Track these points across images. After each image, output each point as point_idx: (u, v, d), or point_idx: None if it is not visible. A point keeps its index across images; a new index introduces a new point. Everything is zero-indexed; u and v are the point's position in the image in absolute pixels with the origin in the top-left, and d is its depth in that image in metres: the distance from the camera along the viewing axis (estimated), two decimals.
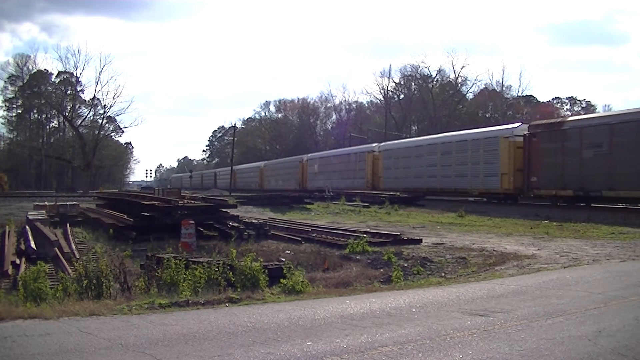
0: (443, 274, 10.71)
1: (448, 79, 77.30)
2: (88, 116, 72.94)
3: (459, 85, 75.83)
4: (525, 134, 26.09)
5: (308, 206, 29.10)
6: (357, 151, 43.44)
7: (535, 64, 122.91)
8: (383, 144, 42.15)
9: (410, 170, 34.78)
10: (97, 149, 67.22)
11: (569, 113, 75.17)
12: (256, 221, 17.38)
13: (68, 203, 23.83)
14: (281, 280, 8.33)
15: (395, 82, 78.72)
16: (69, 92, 74.77)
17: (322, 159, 49.31)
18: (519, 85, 76.27)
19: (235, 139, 76.03)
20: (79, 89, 72.87)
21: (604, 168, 21.98)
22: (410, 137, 54.09)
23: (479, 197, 29.54)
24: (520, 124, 29.72)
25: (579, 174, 23.07)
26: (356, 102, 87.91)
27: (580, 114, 60.82)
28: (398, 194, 31.34)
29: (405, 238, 14.93)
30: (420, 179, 33.44)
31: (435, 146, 33.32)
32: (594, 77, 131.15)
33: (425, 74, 75.89)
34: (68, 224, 17.65)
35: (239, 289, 8.13)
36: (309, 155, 53.43)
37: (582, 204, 23.71)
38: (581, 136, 23.20)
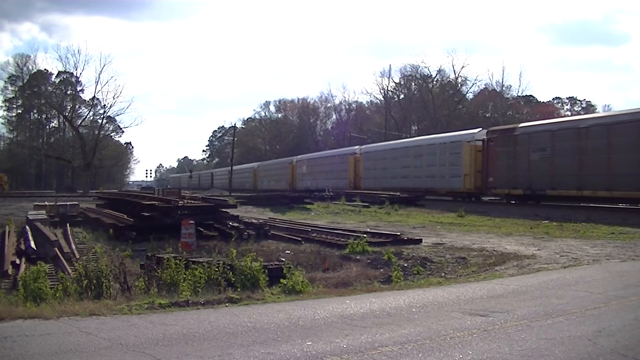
0: (443, 274, 10.71)
1: (448, 79, 77.45)
2: (88, 116, 73.10)
3: (459, 85, 75.97)
4: (484, 139, 29.13)
5: (308, 206, 29.10)
6: (341, 153, 46.47)
7: (536, 63, 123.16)
8: (364, 146, 44.69)
9: (387, 171, 37.54)
10: (97, 149, 67.23)
11: (569, 113, 75.37)
12: (256, 221, 17.38)
13: (68, 203, 23.80)
14: (281, 280, 8.33)
15: (395, 82, 78.95)
16: (69, 92, 74.85)
17: (309, 160, 52.26)
18: (519, 85, 76.46)
19: (235, 139, 76.16)
20: (79, 89, 73.04)
21: (547, 170, 24.83)
22: (410, 137, 54.45)
23: (446, 196, 31.71)
24: (480, 129, 32.15)
25: (527, 174, 25.93)
26: (356, 102, 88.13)
27: (581, 114, 61.09)
28: (398, 194, 31.55)
29: (405, 238, 14.93)
30: (395, 179, 35.87)
31: (409, 149, 36.50)
32: (594, 77, 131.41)
33: (425, 74, 76.10)
34: (68, 224, 17.64)
35: (239, 289, 8.13)
36: (298, 157, 55.94)
37: (530, 202, 26.41)
38: (529, 141, 26.10)
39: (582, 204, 23.74)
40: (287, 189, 49.52)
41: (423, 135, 49.40)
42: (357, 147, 45.42)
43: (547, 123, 28.08)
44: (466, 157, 30.10)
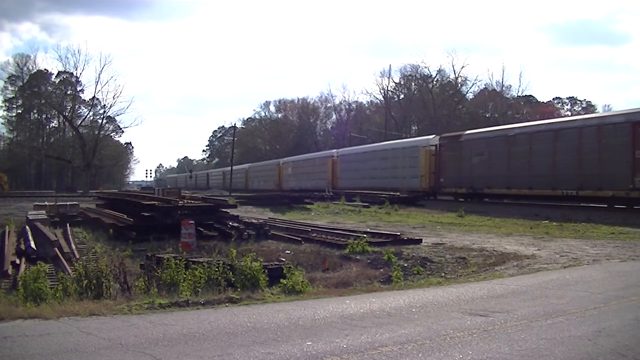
0: (443, 274, 10.71)
1: (448, 79, 77.42)
2: (88, 116, 73.18)
3: (459, 85, 75.95)
4: (436, 144, 33.20)
5: (308, 206, 29.11)
6: (321, 156, 50.57)
7: (536, 63, 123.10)
8: (341, 150, 49.25)
9: (359, 172, 41.20)
10: (97, 149, 67.25)
11: (569, 113, 75.39)
12: (256, 221, 17.38)
13: (68, 203, 23.80)
14: (281, 280, 8.33)
15: (395, 82, 78.89)
16: (69, 92, 74.83)
17: (294, 162, 56.02)
18: (519, 85, 76.39)
19: (235, 139, 76.22)
20: (79, 89, 73.08)
21: (484, 171, 28.73)
22: (410, 138, 54.79)
23: (406, 195, 33.81)
24: (434, 135, 36.34)
25: (469, 175, 29.77)
26: (356, 102, 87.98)
27: (581, 114, 61.28)
28: (398, 194, 31.77)
29: (405, 238, 14.93)
30: (366, 180, 39.10)
31: (376, 153, 40.65)
32: (594, 77, 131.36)
33: (425, 74, 76.04)
34: (68, 224, 17.64)
35: (239, 289, 8.13)
36: (284, 159, 60.40)
37: (472, 198, 29.98)
38: (471, 147, 30.04)
39: (531, 202, 26.40)
40: (275, 189, 52.89)
41: (423, 135, 50.04)
42: (334, 150, 49.56)
43: (484, 131, 32.19)
44: (422, 160, 34.01)
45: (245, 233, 15.50)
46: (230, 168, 63.86)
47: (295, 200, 30.52)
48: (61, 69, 73.05)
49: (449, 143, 32.19)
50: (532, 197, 26.29)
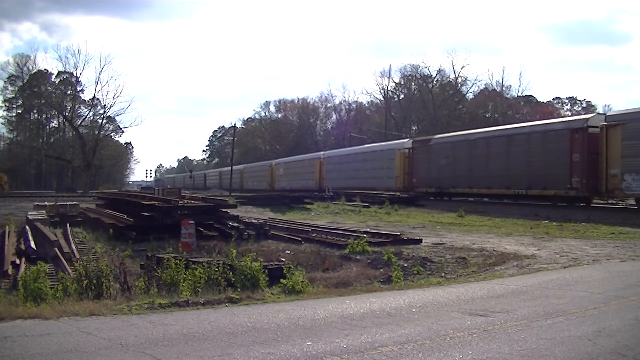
0: (443, 274, 10.71)
1: (448, 79, 77.37)
2: (88, 116, 73.02)
3: (459, 85, 75.90)
4: (409, 147, 36.38)
5: (308, 206, 29.11)
6: (309, 158, 53.87)
7: (536, 63, 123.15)
8: (327, 152, 52.56)
9: (343, 173, 44.04)
10: (97, 149, 67.14)
11: (569, 113, 75.33)
12: (256, 221, 17.38)
13: (68, 203, 23.82)
14: (281, 280, 8.33)
15: (395, 82, 78.82)
16: (69, 92, 74.79)
17: (285, 163, 59.10)
18: (519, 85, 76.40)
19: (235, 139, 76.28)
20: (79, 89, 72.96)
21: (450, 172, 31.51)
22: (410, 138, 55.00)
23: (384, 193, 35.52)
24: (408, 139, 40.52)
25: (437, 176, 32.69)
26: (356, 102, 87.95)
27: (581, 114, 61.33)
28: (398, 194, 31.89)
29: (405, 238, 14.93)
30: (349, 180, 41.57)
31: (358, 155, 44.14)
32: (595, 77, 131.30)
33: (425, 74, 75.99)
34: (68, 224, 17.64)
35: (239, 289, 8.13)
36: (277, 160, 63.60)
37: (445, 198, 32.64)
38: (439, 150, 33.02)
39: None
40: (268, 188, 56.18)
41: (423, 135, 51.25)
42: (321, 152, 52.97)
43: (450, 136, 35.33)
44: (398, 162, 37.09)
45: (245, 233, 15.50)
46: (226, 168, 66.26)
47: (295, 200, 30.52)
48: (61, 69, 73.13)
49: (420, 146, 35.34)
50: (490, 195, 29.37)
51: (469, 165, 30.02)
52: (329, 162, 47.95)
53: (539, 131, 26.33)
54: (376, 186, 37.04)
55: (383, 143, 45.99)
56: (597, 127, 22.76)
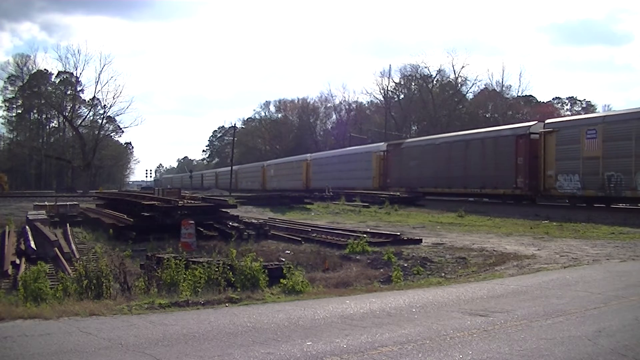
0: (443, 274, 10.71)
1: (448, 79, 77.29)
2: (88, 116, 72.90)
3: (459, 85, 75.82)
4: (384, 150, 39.27)
5: (308, 206, 29.11)
6: (297, 160, 56.48)
7: (537, 63, 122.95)
8: (313, 154, 55.60)
9: (327, 174, 46.79)
10: (97, 149, 67.16)
11: (569, 113, 75.26)
12: (256, 221, 17.38)
13: (68, 203, 23.80)
14: (281, 280, 8.33)
15: (395, 82, 78.71)
16: (69, 92, 74.70)
17: (276, 165, 62.41)
18: (519, 85, 76.33)
19: (235, 139, 76.40)
20: (79, 89, 72.80)
21: (418, 173, 34.72)
22: (409, 138, 55.36)
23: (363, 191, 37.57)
24: (383, 143, 43.09)
25: (408, 177, 35.70)
26: (356, 102, 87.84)
27: (581, 114, 61.53)
28: (398, 194, 31.98)
29: (405, 238, 14.93)
30: (333, 180, 43.55)
31: (341, 157, 47.82)
32: (595, 77, 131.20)
33: (425, 74, 75.86)
34: (68, 224, 17.63)
35: (239, 289, 8.13)
36: (268, 162, 66.50)
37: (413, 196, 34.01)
38: (409, 153, 36.28)
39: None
40: (260, 188, 59.10)
41: (423, 135, 51.81)
42: (308, 155, 55.79)
43: (419, 139, 39.63)
44: (374, 164, 40.12)
45: (245, 233, 15.50)
46: (221, 169, 66.92)
47: (295, 200, 30.53)
48: (61, 69, 72.98)
49: (394, 150, 38.43)
50: (451, 194, 32.10)
51: (434, 167, 33.17)
52: (315, 164, 51.18)
53: (491, 137, 29.62)
54: (356, 186, 39.48)
55: (362, 146, 49.90)
56: (537, 133, 25.67)
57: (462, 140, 31.88)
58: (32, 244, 13.22)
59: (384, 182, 38.10)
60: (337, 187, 39.48)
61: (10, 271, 11.24)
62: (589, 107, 79.85)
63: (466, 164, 30.36)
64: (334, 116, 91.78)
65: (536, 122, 28.13)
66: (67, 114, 71.82)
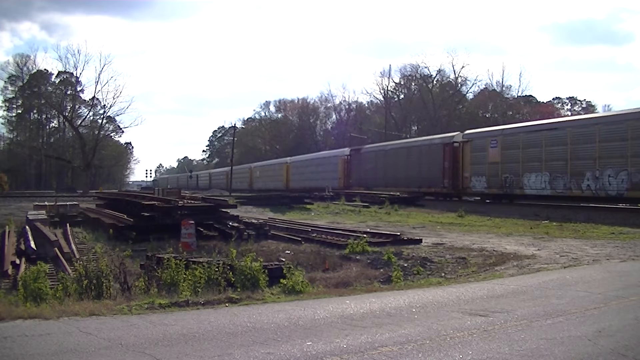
0: (443, 274, 10.71)
1: (448, 79, 77.33)
2: (88, 116, 72.97)
3: (459, 85, 75.85)
4: (347, 154, 45.43)
5: (308, 206, 29.11)
6: (278, 162, 62.16)
7: (537, 63, 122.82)
8: (292, 157, 60.29)
9: (302, 175, 52.91)
10: (97, 149, 67.14)
11: (569, 113, 75.31)
12: (256, 221, 17.37)
13: (68, 203, 23.78)
14: (281, 280, 8.33)
15: (395, 82, 78.70)
16: (69, 92, 74.74)
17: (261, 167, 67.96)
18: (519, 85, 76.23)
19: (235, 139, 76.40)
20: (78, 89, 72.92)
21: (373, 175, 40.20)
22: (410, 138, 55.74)
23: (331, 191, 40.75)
24: (347, 148, 49.12)
25: (365, 178, 40.99)
26: (356, 102, 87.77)
27: (581, 114, 61.60)
28: (398, 194, 32.09)
29: (405, 238, 14.92)
30: (307, 181, 49.41)
31: (312, 160, 53.85)
32: (596, 77, 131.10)
33: (425, 74, 75.94)
34: (68, 224, 17.63)
35: (239, 289, 8.13)
36: (254, 164, 71.76)
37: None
38: (367, 157, 42.18)
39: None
40: (248, 188, 63.94)
41: (423, 135, 52.10)
42: (288, 158, 60.78)
43: (374, 146, 45.34)
44: (340, 166, 45.87)
45: (245, 233, 15.49)
46: (215, 170, 68.28)
47: (295, 200, 30.55)
48: (61, 69, 73.03)
49: (355, 154, 44.20)
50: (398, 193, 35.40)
51: (385, 169, 38.90)
52: (293, 166, 56.18)
53: (425, 144, 35.61)
54: (324, 186, 42.26)
55: (330, 151, 56.19)
56: (458, 142, 31.36)
57: (404, 147, 38.36)
58: (32, 244, 13.22)
59: (348, 182, 43.48)
60: (310, 187, 43.37)
61: (10, 271, 11.24)
62: (589, 107, 79.84)
63: (407, 167, 36.16)
64: (334, 116, 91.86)
65: (458, 132, 33.96)
66: (67, 114, 71.90)
